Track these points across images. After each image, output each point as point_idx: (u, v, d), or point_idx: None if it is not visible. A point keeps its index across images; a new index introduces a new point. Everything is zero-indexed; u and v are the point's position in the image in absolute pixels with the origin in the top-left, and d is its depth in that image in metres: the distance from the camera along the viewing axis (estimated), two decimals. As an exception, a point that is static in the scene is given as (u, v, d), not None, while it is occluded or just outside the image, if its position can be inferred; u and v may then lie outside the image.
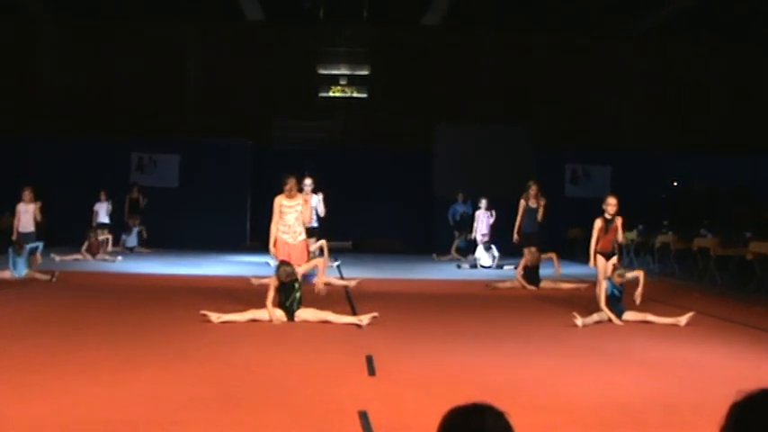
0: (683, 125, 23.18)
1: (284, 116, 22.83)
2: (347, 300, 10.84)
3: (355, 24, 22.54)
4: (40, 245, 13.28)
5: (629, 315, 9.28)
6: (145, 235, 19.54)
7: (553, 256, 13.50)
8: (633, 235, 17.25)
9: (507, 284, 13.16)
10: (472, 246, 17.93)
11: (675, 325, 9.05)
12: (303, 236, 10.53)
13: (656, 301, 10.67)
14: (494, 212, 17.48)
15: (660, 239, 16.67)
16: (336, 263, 15.54)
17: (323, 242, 13.89)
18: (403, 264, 17.65)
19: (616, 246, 10.57)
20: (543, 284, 12.98)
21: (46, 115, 22.34)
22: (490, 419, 1.92)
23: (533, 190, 13.72)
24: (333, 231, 15.17)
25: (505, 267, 16.13)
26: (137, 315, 9.27)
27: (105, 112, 22.15)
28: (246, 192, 22.23)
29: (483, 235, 17.33)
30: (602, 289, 9.34)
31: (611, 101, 23.59)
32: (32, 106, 22.30)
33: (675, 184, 22.68)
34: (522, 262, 13.24)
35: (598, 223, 10.38)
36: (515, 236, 13.74)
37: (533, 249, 13.07)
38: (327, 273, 13.39)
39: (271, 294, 8.86)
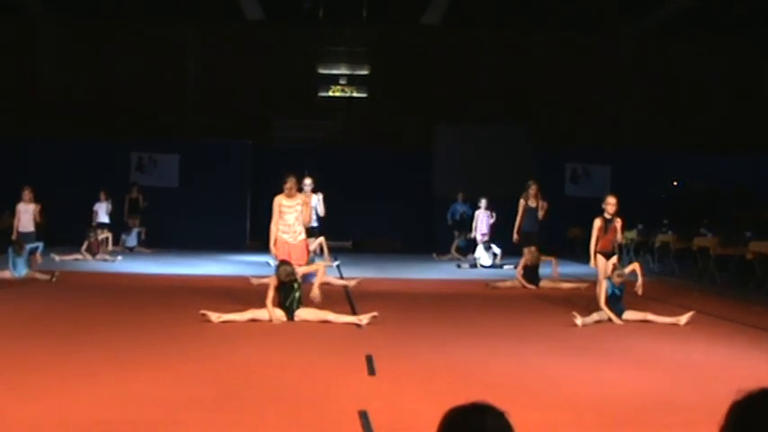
0: (683, 125, 23.17)
1: (284, 116, 22.83)
2: (347, 299, 10.85)
3: (355, 24, 22.54)
4: (40, 245, 13.28)
5: (629, 314, 9.28)
6: (143, 236, 19.52)
7: (553, 260, 13.52)
8: (633, 234, 17.25)
9: (507, 284, 13.16)
10: (472, 245, 17.93)
11: (675, 324, 9.06)
12: (303, 235, 10.52)
13: (656, 300, 10.67)
14: (494, 213, 17.48)
15: (660, 239, 16.67)
16: (336, 262, 15.54)
17: (322, 239, 13.90)
18: (403, 263, 17.64)
19: (616, 245, 10.58)
20: (543, 284, 13.00)
21: (46, 115, 22.33)
22: (490, 419, 1.92)
23: (533, 189, 13.74)
24: (333, 231, 15.17)
25: (505, 267, 16.14)
26: (136, 315, 9.27)
27: (105, 112, 22.14)
28: (246, 191, 22.23)
29: (483, 234, 17.34)
30: (602, 288, 9.35)
31: (611, 101, 23.58)
32: (32, 106, 22.29)
33: (675, 183, 22.68)
34: (522, 261, 13.25)
35: (597, 223, 10.38)
36: (515, 235, 13.76)
37: (533, 249, 13.07)
38: (327, 272, 13.42)
39: (271, 294, 8.87)
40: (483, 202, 17.63)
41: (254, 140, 22.37)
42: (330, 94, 23.46)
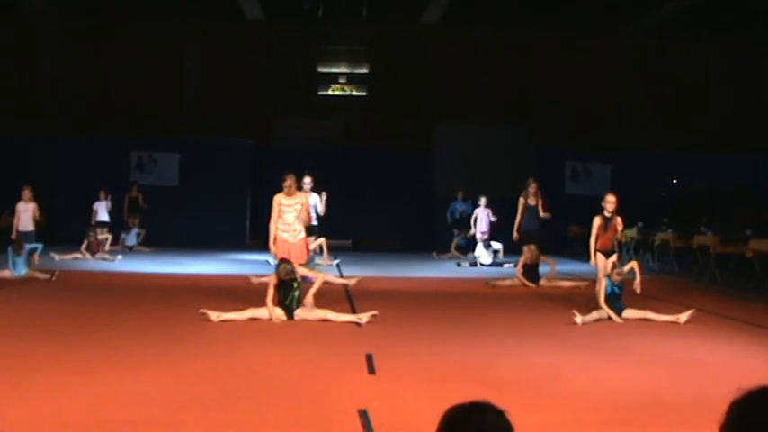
0: (683, 125, 23.17)
1: (284, 115, 22.83)
2: (347, 298, 10.85)
3: (355, 23, 22.54)
4: (40, 247, 13.29)
5: (629, 313, 9.29)
6: (143, 238, 19.51)
7: (551, 262, 13.51)
8: (633, 232, 17.25)
9: (507, 282, 13.17)
10: (472, 244, 17.94)
11: (675, 322, 9.06)
12: (303, 234, 10.52)
13: (656, 298, 10.68)
14: (495, 216, 17.46)
15: (660, 237, 16.67)
16: (336, 261, 15.55)
17: (322, 240, 13.90)
18: (403, 262, 17.65)
19: (615, 244, 10.58)
20: (543, 282, 13.02)
21: (46, 115, 22.34)
22: (490, 417, 1.92)
23: (532, 188, 13.76)
24: (333, 230, 15.17)
25: (505, 265, 16.14)
26: (136, 314, 9.27)
27: (105, 112, 22.13)
28: (246, 190, 22.24)
29: (483, 233, 17.35)
30: (602, 287, 9.36)
31: (611, 101, 23.57)
32: (32, 106, 22.29)
33: (675, 181, 22.69)
34: (522, 259, 13.26)
35: (597, 221, 10.39)
36: (515, 234, 13.78)
37: (533, 247, 13.09)
38: (327, 271, 13.43)
39: (271, 292, 8.87)
40: (483, 201, 17.63)
41: (254, 140, 22.38)
42: (330, 92, 23.46)
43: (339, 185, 18.73)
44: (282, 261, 9.16)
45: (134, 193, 19.90)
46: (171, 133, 22.42)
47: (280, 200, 10.35)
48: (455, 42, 23.09)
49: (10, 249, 12.75)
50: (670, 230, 16.58)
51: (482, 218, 17.54)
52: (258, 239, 19.31)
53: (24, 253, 12.67)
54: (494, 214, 17.50)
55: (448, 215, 19.79)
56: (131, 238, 19.39)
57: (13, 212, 14.30)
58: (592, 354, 7.38)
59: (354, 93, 23.60)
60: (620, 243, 10.92)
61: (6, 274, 12.42)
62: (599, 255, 10.34)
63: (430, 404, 4.56)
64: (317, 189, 13.50)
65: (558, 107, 23.02)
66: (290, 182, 10.38)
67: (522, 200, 13.78)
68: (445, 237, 19.72)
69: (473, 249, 17.54)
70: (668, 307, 9.89)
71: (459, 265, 17.10)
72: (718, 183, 21.57)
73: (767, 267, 12.97)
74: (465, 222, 18.58)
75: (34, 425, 4.69)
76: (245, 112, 22.70)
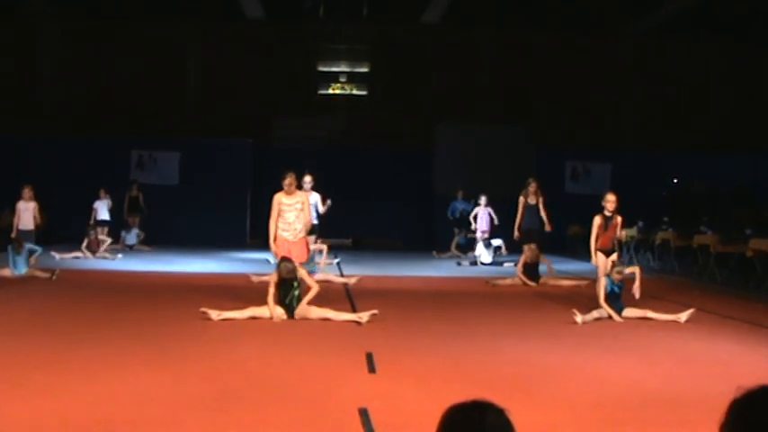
0: (683, 125, 23.17)
1: (284, 115, 22.83)
2: (347, 297, 10.86)
3: (355, 22, 22.54)
4: (39, 250, 13.30)
5: (629, 312, 9.29)
6: (142, 237, 19.50)
7: (546, 261, 13.52)
8: (633, 232, 17.25)
9: (507, 281, 13.18)
10: (472, 242, 17.94)
11: (675, 322, 9.07)
12: (303, 233, 10.52)
13: (656, 297, 10.68)
14: (496, 218, 17.46)
15: (660, 236, 16.67)
16: (336, 260, 15.55)
17: (324, 248, 13.80)
18: (403, 261, 17.64)
19: (616, 243, 10.58)
20: (543, 281, 13.04)
21: (46, 115, 22.33)
22: (490, 416, 1.92)
23: (533, 187, 13.76)
24: (333, 229, 15.17)
25: (505, 264, 16.15)
26: (136, 313, 9.27)
27: (105, 112, 22.13)
28: (246, 189, 22.25)
29: (483, 232, 17.35)
30: (602, 286, 9.37)
31: (611, 101, 23.56)
32: (32, 106, 22.29)
33: (675, 180, 22.69)
34: (522, 258, 13.27)
35: (597, 220, 10.39)
36: (516, 233, 13.79)
37: (533, 246, 13.10)
38: (327, 270, 13.44)
39: (272, 290, 8.88)
40: (483, 200, 17.63)
41: (255, 139, 22.38)
42: (330, 91, 23.47)
43: (339, 185, 18.74)
44: (284, 259, 9.17)
45: (134, 192, 19.89)
46: (171, 133, 22.42)
47: (280, 199, 10.34)
48: (455, 42, 23.09)
49: (10, 248, 12.76)
50: (670, 230, 16.58)
51: (482, 216, 17.55)
52: (258, 238, 19.32)
53: (24, 252, 12.68)
54: (494, 214, 17.49)
55: (448, 214, 19.81)
56: (131, 237, 19.39)
57: (13, 211, 14.31)
58: (592, 353, 7.38)
59: (355, 92, 23.60)
60: (620, 242, 10.90)
61: (7, 272, 12.43)
62: (599, 254, 10.35)
63: (430, 403, 4.56)
64: (317, 189, 13.48)
65: (558, 107, 23.02)
66: (290, 180, 10.36)
67: (522, 199, 13.79)
68: (445, 236, 19.72)
69: (473, 248, 17.54)
70: (668, 306, 9.89)
71: (459, 264, 17.10)
72: (718, 183, 21.56)
73: (767, 267, 12.97)
74: (465, 221, 18.58)
75: (34, 424, 4.69)
76: (245, 111, 22.70)
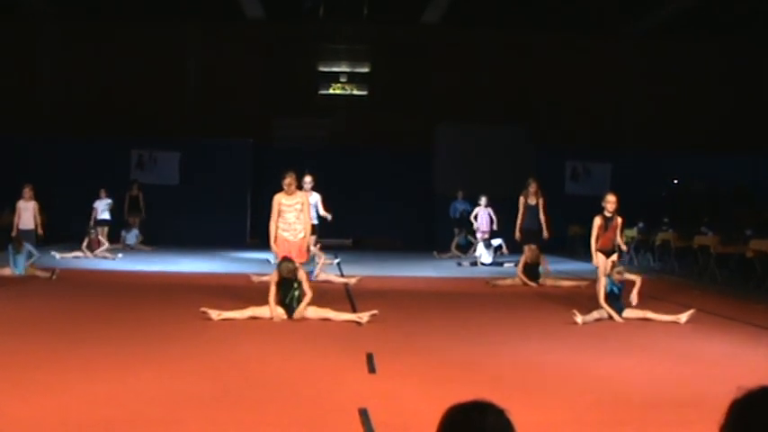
0: (683, 125, 23.17)
1: (284, 115, 22.84)
2: (347, 297, 10.86)
3: (355, 22, 22.54)
4: (36, 255, 13.29)
5: (630, 312, 9.29)
6: (141, 237, 19.50)
7: (545, 262, 13.52)
8: (633, 232, 17.26)
9: (508, 281, 13.18)
10: (471, 244, 17.92)
11: (676, 322, 9.06)
12: (303, 234, 10.51)
13: (657, 298, 10.67)
14: (495, 218, 17.45)
15: (660, 237, 16.67)
16: (336, 260, 15.55)
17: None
18: (403, 261, 17.64)
19: (616, 243, 10.59)
20: (543, 281, 13.04)
21: (46, 115, 22.33)
22: (491, 417, 1.92)
23: (533, 187, 13.74)
24: (333, 229, 15.16)
25: (505, 265, 16.14)
26: (137, 312, 9.27)
27: (105, 112, 22.13)
28: (247, 189, 22.26)
29: (483, 232, 17.35)
30: (602, 286, 9.36)
31: (611, 101, 23.56)
32: (32, 106, 22.29)
33: (675, 181, 22.69)
34: (523, 259, 13.27)
35: (597, 221, 10.39)
36: (517, 233, 13.78)
37: (533, 246, 13.10)
38: (327, 270, 13.43)
39: (272, 290, 8.88)
40: (483, 200, 17.62)
41: (255, 139, 22.39)
42: (330, 91, 23.47)
43: (339, 185, 18.75)
44: (285, 259, 9.17)
45: (134, 192, 19.90)
46: (171, 133, 22.43)
47: (280, 199, 10.33)
48: (455, 42, 23.09)
49: (10, 247, 12.78)
50: (670, 230, 16.57)
51: (482, 216, 17.55)
52: (258, 238, 19.32)
53: (25, 251, 12.69)
54: (494, 214, 17.48)
55: (450, 213, 19.81)
56: (131, 237, 19.39)
57: (13, 211, 14.31)
58: (592, 353, 7.38)
59: (355, 92, 23.60)
60: (619, 249, 10.89)
61: (7, 271, 12.45)
62: (599, 254, 10.34)
63: (430, 403, 4.56)
64: (317, 189, 13.47)
65: (558, 107, 23.02)
66: (290, 179, 10.33)
67: (522, 199, 13.78)
68: (445, 236, 19.72)
69: (474, 249, 17.54)
70: (669, 307, 9.89)
71: (459, 264, 17.10)
72: (718, 183, 21.57)
73: (767, 267, 12.96)
74: (465, 221, 18.58)
75: (34, 423, 4.69)
76: (245, 111, 22.70)
